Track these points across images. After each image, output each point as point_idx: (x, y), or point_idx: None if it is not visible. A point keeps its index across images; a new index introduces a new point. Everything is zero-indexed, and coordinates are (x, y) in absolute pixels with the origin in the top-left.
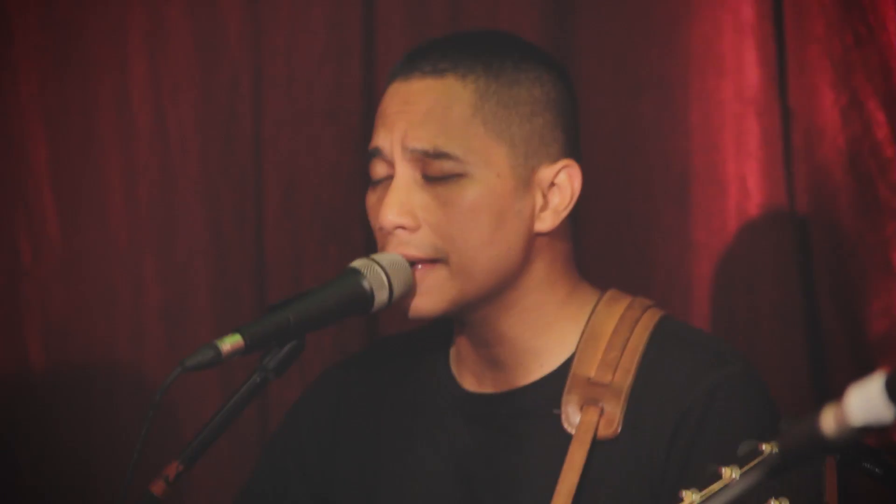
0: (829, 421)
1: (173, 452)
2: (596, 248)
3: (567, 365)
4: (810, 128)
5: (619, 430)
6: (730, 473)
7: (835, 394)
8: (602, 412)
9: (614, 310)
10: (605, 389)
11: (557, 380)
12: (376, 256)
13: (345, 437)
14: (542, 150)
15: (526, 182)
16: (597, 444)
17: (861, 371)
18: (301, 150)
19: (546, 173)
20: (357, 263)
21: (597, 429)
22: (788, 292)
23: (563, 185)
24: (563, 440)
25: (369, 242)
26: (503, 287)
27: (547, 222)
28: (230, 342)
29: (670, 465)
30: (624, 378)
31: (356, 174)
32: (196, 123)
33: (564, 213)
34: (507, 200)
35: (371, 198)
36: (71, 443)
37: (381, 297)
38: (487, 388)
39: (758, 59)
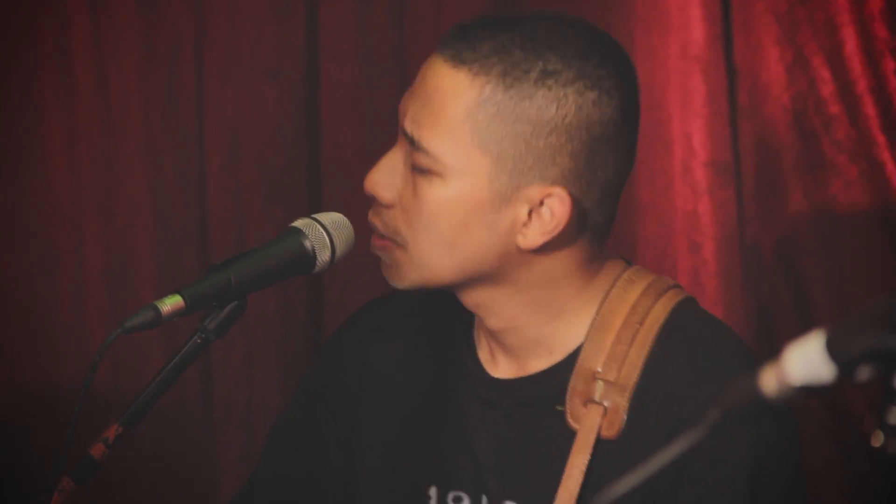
0: (769, 381)
1: (114, 415)
2: None
3: (575, 355)
4: (755, 85)
5: (623, 429)
6: None
7: (780, 353)
8: (605, 412)
9: (628, 296)
10: (610, 386)
11: (564, 371)
12: (318, 216)
13: (369, 388)
14: (537, 170)
15: (505, 197)
16: (601, 444)
17: (806, 329)
18: (244, 109)
19: (535, 192)
20: (299, 223)
21: (600, 428)
22: (733, 251)
23: (548, 209)
24: (567, 436)
25: (313, 202)
26: (485, 281)
27: (529, 240)
28: (170, 303)
29: (665, 472)
30: (630, 375)
31: (300, 134)
32: (138, 83)
33: (550, 237)
34: (476, 212)
35: None
36: (11, 405)
37: (323, 256)
38: (501, 373)
39: (703, 15)
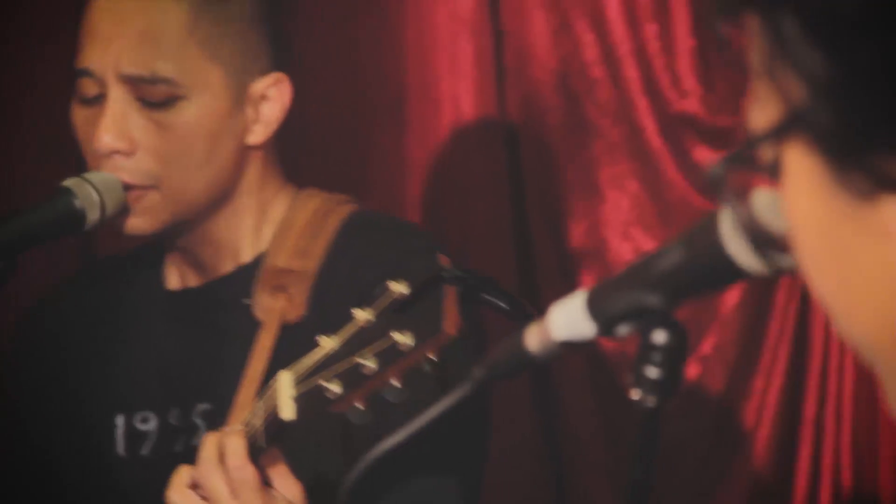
0: (533, 337)
1: None
2: (313, 166)
3: (261, 257)
4: (522, 48)
5: (306, 312)
6: (364, 315)
7: (544, 311)
8: (290, 298)
9: (309, 203)
10: (292, 275)
11: (251, 271)
12: (88, 175)
13: (57, 358)
14: (255, 65)
15: (239, 100)
16: (286, 329)
17: (569, 288)
18: None
19: (257, 87)
20: (68, 183)
21: (284, 314)
22: (500, 210)
23: (273, 98)
24: (255, 328)
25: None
26: (216, 200)
27: (258, 135)
28: None
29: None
30: (311, 263)
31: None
32: None
33: (275, 126)
34: (222, 121)
35: (79, 115)
36: None
37: (92, 215)
38: (189, 285)
39: None
